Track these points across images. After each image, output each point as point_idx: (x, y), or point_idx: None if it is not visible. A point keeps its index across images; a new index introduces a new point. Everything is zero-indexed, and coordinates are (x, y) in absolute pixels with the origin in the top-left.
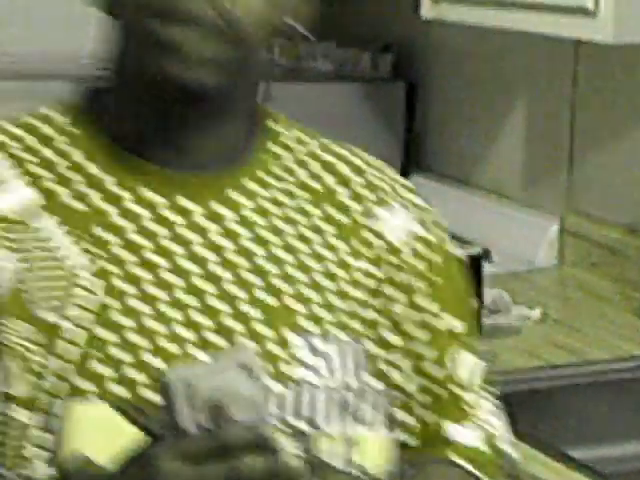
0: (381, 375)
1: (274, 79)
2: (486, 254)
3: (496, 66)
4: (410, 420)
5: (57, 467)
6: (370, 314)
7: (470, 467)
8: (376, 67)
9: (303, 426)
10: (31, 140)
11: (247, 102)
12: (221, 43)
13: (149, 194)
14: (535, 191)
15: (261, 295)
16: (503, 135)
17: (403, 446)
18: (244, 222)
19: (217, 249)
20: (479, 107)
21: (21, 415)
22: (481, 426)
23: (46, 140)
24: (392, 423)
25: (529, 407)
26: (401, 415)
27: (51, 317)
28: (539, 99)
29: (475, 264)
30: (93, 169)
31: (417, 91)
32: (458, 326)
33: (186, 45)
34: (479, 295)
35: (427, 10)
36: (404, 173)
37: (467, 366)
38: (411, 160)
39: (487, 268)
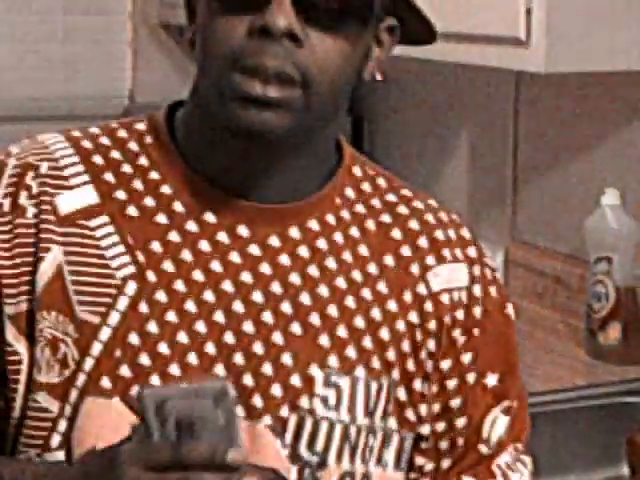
0: (400, 417)
1: None
2: None
3: (440, 98)
4: (425, 463)
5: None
6: (398, 357)
7: None
8: None
9: (311, 458)
10: (115, 152)
11: (320, 146)
12: (293, 90)
13: (210, 218)
14: (480, 223)
15: (294, 327)
16: (447, 167)
17: None
18: (297, 257)
19: (263, 278)
20: (424, 140)
21: (50, 404)
22: None
23: (128, 154)
24: (405, 464)
25: None
26: (417, 458)
27: (93, 319)
28: (482, 130)
29: None
30: (165, 189)
31: (363, 124)
32: (492, 381)
33: (261, 94)
34: None
35: None
36: None
37: (497, 423)
38: None
39: None
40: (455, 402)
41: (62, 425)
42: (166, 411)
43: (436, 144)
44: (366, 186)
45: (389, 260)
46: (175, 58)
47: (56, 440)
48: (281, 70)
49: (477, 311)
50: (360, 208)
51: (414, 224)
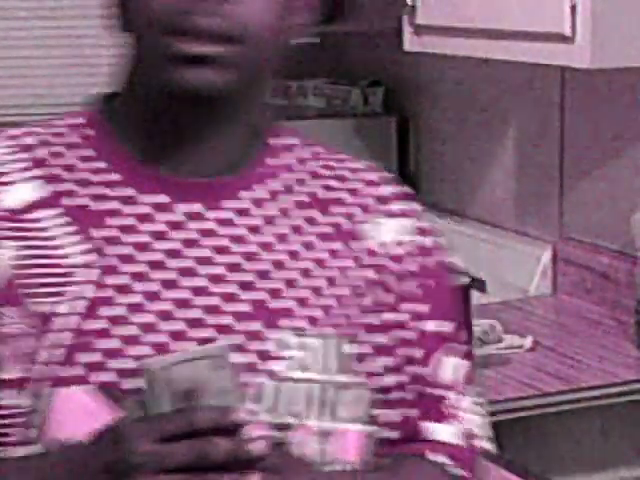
0: (365, 371)
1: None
2: (480, 285)
3: (485, 96)
4: (392, 416)
5: (40, 449)
6: (360, 314)
7: (449, 462)
8: (367, 102)
9: (282, 418)
10: (59, 146)
11: (252, 112)
12: (228, 46)
13: (161, 199)
14: (527, 220)
15: (260, 295)
16: (494, 165)
17: (383, 441)
18: (252, 227)
19: (223, 250)
20: (470, 138)
21: (11, 399)
22: (461, 423)
23: (72, 147)
24: (372, 417)
25: (518, 436)
26: (383, 410)
27: (44, 308)
28: (528, 128)
29: (465, 294)
30: (113, 176)
31: (408, 124)
32: (446, 328)
33: (197, 52)
34: (469, 325)
35: (409, 43)
36: None
37: (451, 367)
38: None
39: (482, 298)
40: (416, 352)
41: (36, 419)
42: (172, 380)
43: (483, 143)
44: (306, 153)
45: (340, 219)
46: None
47: (32, 434)
48: (213, 27)
49: (430, 262)
50: (304, 174)
51: (358, 184)
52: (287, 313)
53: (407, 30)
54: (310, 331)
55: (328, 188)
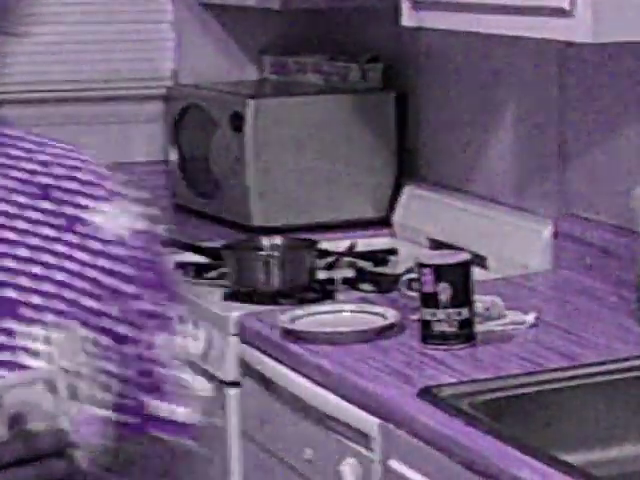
0: (96, 358)
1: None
2: (481, 261)
3: (484, 71)
4: (128, 401)
5: None
6: (79, 296)
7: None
8: (366, 78)
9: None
10: None
11: None
12: None
13: None
14: (528, 195)
15: None
16: (494, 141)
17: (124, 425)
18: None
19: None
20: (469, 113)
21: None
22: None
23: None
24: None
25: (522, 412)
26: (118, 397)
27: None
28: (528, 102)
29: (465, 270)
30: None
31: (408, 100)
32: (157, 309)
33: None
34: (470, 302)
35: (407, 18)
36: (398, 183)
37: (169, 344)
38: (405, 170)
39: (482, 275)
40: (132, 333)
41: None
42: (2, 404)
43: (482, 118)
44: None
45: (46, 205)
46: (218, 38)
47: None
48: None
49: (137, 243)
50: (2, 159)
51: (59, 169)
52: (10, 303)
53: (405, 5)
54: (46, 323)
55: (32, 173)
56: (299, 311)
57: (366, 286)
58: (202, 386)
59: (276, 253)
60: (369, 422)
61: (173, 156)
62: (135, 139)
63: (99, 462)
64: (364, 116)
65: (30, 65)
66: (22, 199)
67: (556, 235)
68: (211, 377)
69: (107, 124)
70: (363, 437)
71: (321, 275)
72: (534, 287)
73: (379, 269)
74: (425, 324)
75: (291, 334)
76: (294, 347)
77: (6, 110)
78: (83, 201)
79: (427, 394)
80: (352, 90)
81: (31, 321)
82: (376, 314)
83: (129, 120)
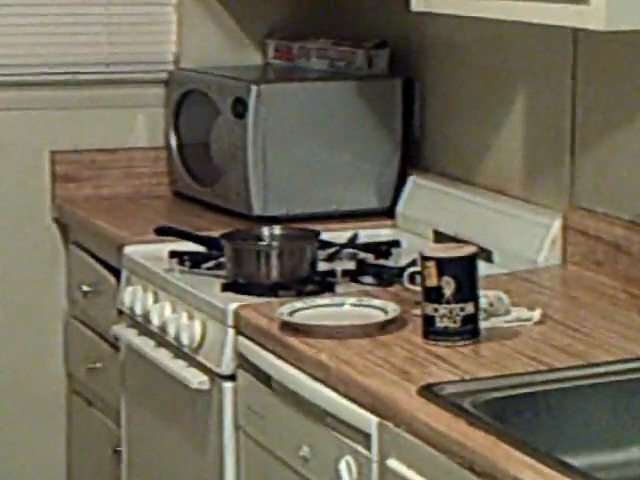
0: None
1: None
2: (487, 254)
3: (494, 58)
4: None
5: None
6: None
7: None
8: (371, 64)
9: None
10: None
11: None
12: None
13: None
14: (537, 187)
15: None
16: (503, 130)
17: None
18: None
19: None
20: (477, 101)
21: None
22: None
23: None
24: None
25: (527, 413)
26: None
27: None
28: (538, 91)
29: (470, 264)
30: None
31: (414, 87)
32: None
33: None
34: (474, 297)
35: (416, 3)
36: (403, 173)
37: None
38: (410, 160)
39: (488, 269)
40: None
41: None
42: None
43: (491, 106)
44: None
45: None
46: (221, 22)
47: None
48: None
49: None
50: None
51: None
52: None
53: None
54: None
55: None
56: (298, 303)
57: (367, 279)
58: None
59: (276, 243)
60: (368, 420)
61: (173, 143)
62: (135, 124)
63: None
64: (369, 103)
65: (26, 47)
66: None
67: (565, 229)
68: (206, 370)
69: (106, 108)
70: (361, 435)
71: (322, 267)
72: (541, 283)
73: (381, 261)
74: (427, 319)
75: (290, 327)
76: (292, 340)
77: (1, 93)
78: None
79: (428, 392)
80: (357, 76)
81: None
82: (377, 308)
83: (129, 105)
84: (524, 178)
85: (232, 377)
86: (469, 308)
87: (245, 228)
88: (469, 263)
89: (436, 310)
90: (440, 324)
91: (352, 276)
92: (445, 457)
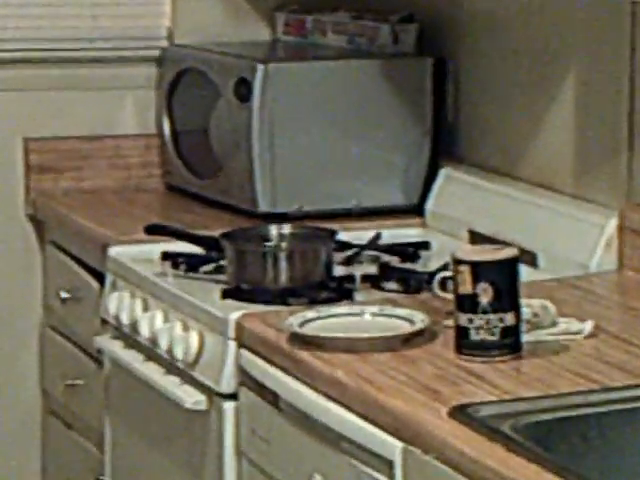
0: None
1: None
2: (531, 258)
3: (539, 36)
4: None
5: None
6: None
7: None
8: (397, 40)
9: None
10: None
11: None
12: None
13: None
14: (590, 183)
15: None
16: (550, 116)
17: None
18: None
19: None
20: (520, 85)
21: None
22: None
23: None
24: None
25: (575, 438)
26: None
27: None
28: (591, 73)
29: (510, 269)
30: None
31: (446, 68)
32: None
33: None
34: (515, 306)
35: None
36: (433, 165)
37: None
38: (441, 149)
39: (532, 274)
40: None
41: None
42: None
43: (536, 90)
44: None
45: None
46: None
47: None
48: None
49: None
50: None
51: None
52: None
53: None
54: None
55: None
56: (310, 313)
57: (391, 285)
58: None
59: (285, 244)
60: (391, 445)
61: (166, 129)
62: (124, 108)
63: None
64: (395, 85)
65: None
66: None
67: (622, 230)
68: (203, 388)
69: (90, 90)
70: (384, 463)
71: (338, 271)
72: (593, 290)
73: (407, 265)
74: (461, 331)
75: (300, 340)
76: (304, 355)
77: None
78: None
79: (461, 414)
80: (381, 55)
81: None
82: (402, 318)
83: (116, 86)
84: (574, 171)
85: (233, 396)
86: (509, 319)
87: (249, 227)
88: (509, 267)
89: (471, 321)
90: (475, 337)
91: (374, 282)
92: None
